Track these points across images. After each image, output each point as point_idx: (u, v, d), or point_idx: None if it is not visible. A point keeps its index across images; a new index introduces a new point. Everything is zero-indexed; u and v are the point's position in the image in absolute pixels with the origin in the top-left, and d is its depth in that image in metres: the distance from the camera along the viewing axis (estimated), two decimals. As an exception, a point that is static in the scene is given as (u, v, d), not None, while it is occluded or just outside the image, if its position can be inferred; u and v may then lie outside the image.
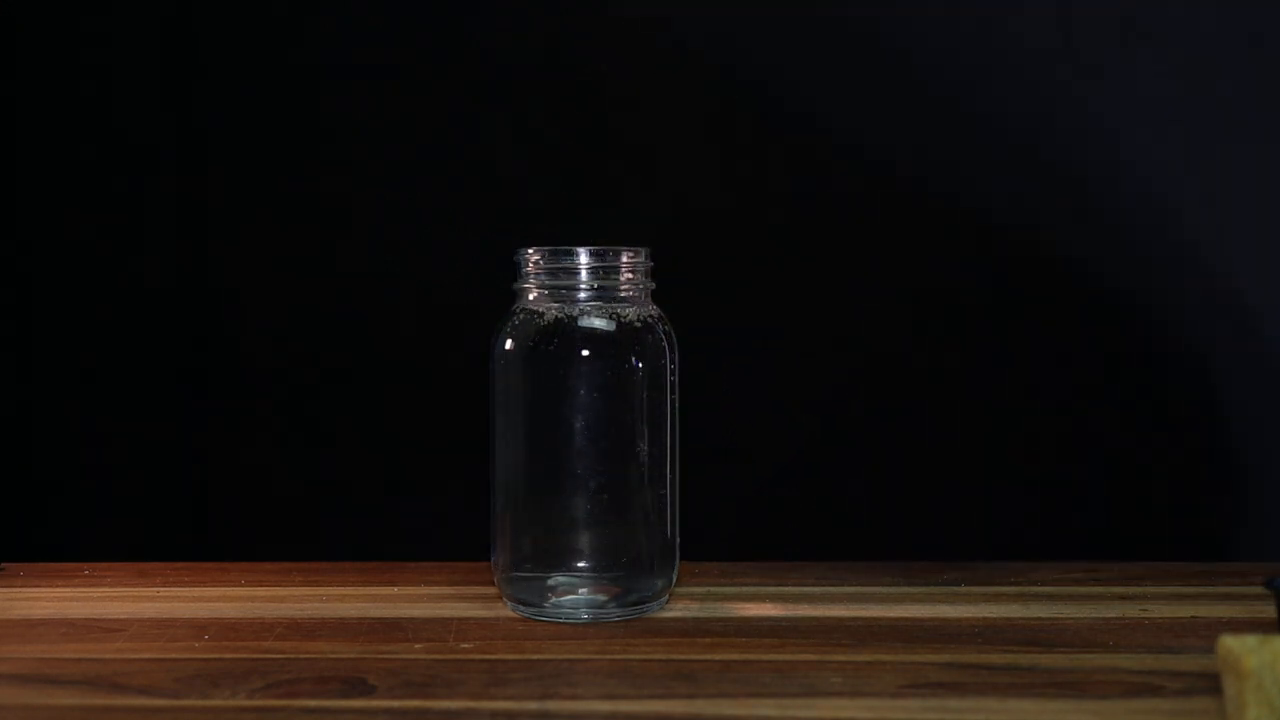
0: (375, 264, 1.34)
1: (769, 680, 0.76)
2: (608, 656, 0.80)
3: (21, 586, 0.95)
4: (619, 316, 0.88)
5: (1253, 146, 1.29)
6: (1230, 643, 0.67)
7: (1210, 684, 0.73)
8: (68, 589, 0.95)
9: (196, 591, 0.94)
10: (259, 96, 1.34)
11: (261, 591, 0.94)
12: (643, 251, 0.90)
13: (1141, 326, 1.31)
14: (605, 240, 0.90)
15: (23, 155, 1.35)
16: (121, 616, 0.88)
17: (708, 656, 0.80)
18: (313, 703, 0.73)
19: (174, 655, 0.80)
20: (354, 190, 1.34)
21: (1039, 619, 0.87)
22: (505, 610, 0.89)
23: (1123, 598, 0.92)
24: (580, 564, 0.88)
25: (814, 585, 0.95)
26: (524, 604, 0.88)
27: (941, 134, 1.31)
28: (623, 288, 0.89)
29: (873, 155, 1.32)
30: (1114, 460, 1.31)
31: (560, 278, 0.88)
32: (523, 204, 1.33)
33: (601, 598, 0.87)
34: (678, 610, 0.90)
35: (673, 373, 0.89)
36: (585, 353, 0.87)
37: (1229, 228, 1.30)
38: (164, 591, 0.94)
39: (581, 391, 0.87)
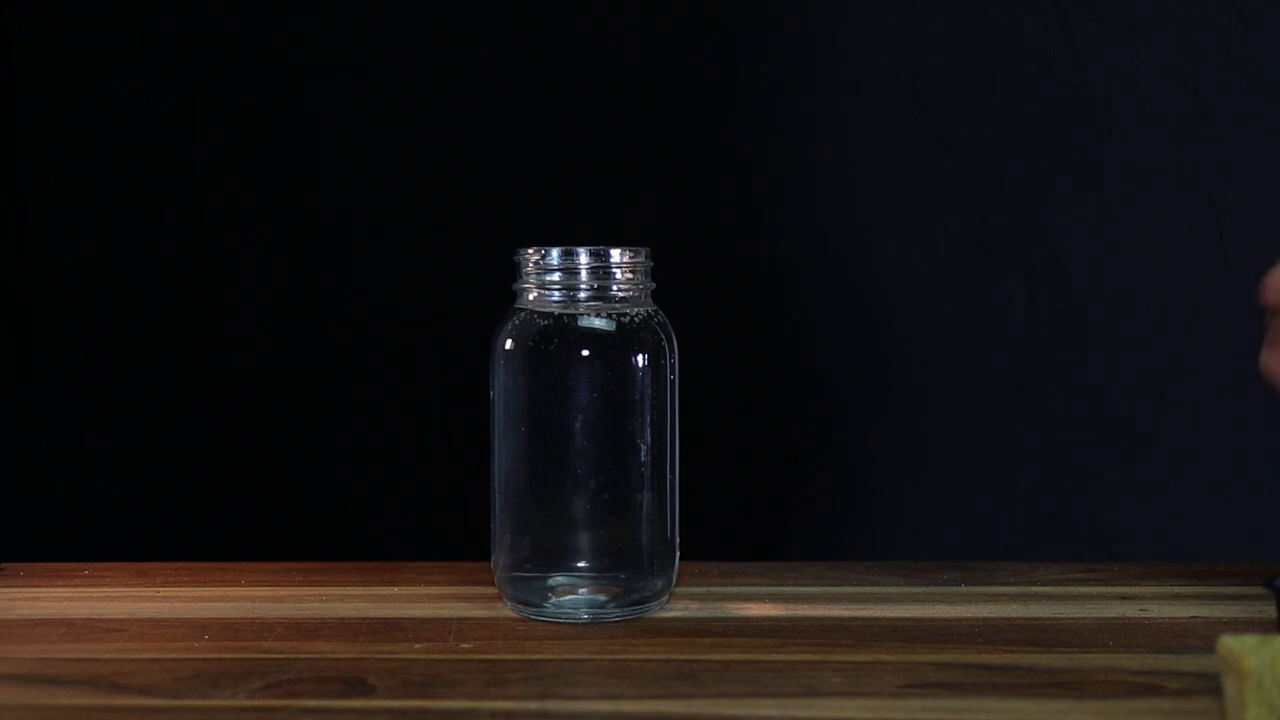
0: (375, 264, 1.34)
1: (769, 680, 0.76)
2: (608, 656, 0.80)
3: (21, 586, 0.95)
4: (619, 316, 0.88)
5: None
6: (1230, 643, 0.67)
7: (1210, 684, 0.73)
8: (68, 589, 0.94)
9: (196, 591, 0.94)
10: (258, 97, 1.34)
11: (261, 591, 0.94)
12: (643, 251, 0.90)
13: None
14: (605, 240, 0.90)
15: (22, 158, 1.35)
16: (121, 616, 0.88)
17: (708, 656, 0.80)
18: (313, 703, 0.73)
19: (174, 655, 0.80)
20: (353, 190, 1.34)
21: (1039, 619, 0.87)
22: (505, 610, 0.89)
23: (1123, 598, 0.92)
24: (580, 564, 0.88)
25: (814, 585, 0.95)
26: (524, 604, 0.88)
27: (939, 135, 1.31)
28: (623, 287, 0.89)
29: (871, 155, 1.32)
30: (1112, 460, 1.31)
31: (560, 278, 0.88)
32: (523, 204, 1.33)
33: (601, 598, 0.87)
34: (678, 610, 0.89)
35: (673, 372, 0.89)
36: (585, 353, 0.87)
37: None
38: (164, 591, 0.94)
39: (581, 391, 0.87)
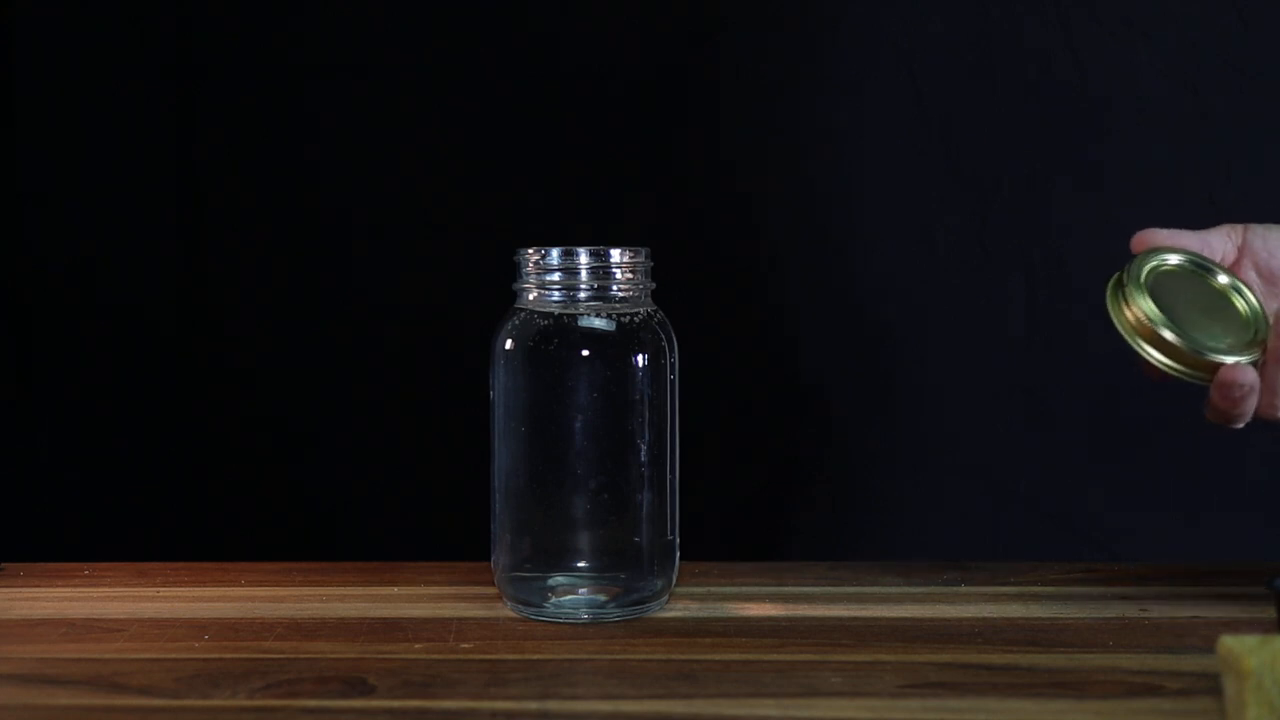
0: (375, 264, 1.34)
1: (769, 680, 0.76)
2: (608, 656, 0.80)
3: (21, 586, 0.95)
4: (619, 316, 0.88)
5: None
6: (1230, 643, 0.67)
7: (1210, 684, 0.73)
8: (68, 589, 0.94)
9: (196, 591, 0.94)
10: (258, 97, 1.34)
11: (261, 591, 0.94)
12: (643, 251, 0.90)
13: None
14: (605, 240, 0.90)
15: (22, 158, 1.35)
16: (121, 616, 0.88)
17: (708, 656, 0.80)
18: (313, 703, 0.73)
19: (174, 655, 0.80)
20: (353, 190, 1.34)
21: (1039, 619, 0.87)
22: (505, 610, 0.89)
23: (1123, 598, 0.92)
24: (580, 564, 0.88)
25: (814, 585, 0.95)
26: (524, 604, 0.88)
27: (939, 135, 1.31)
28: (623, 287, 0.89)
29: (871, 155, 1.32)
30: (1112, 460, 1.31)
31: (560, 278, 0.88)
32: (523, 204, 1.33)
33: (601, 598, 0.87)
34: (678, 610, 0.89)
35: (673, 372, 0.89)
36: (585, 353, 0.87)
37: None
38: (164, 591, 0.94)
39: (581, 391, 0.87)
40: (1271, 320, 0.83)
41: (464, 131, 1.33)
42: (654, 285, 0.91)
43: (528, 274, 0.89)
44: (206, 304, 1.35)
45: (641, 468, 0.87)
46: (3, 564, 1.01)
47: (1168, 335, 0.83)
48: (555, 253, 0.88)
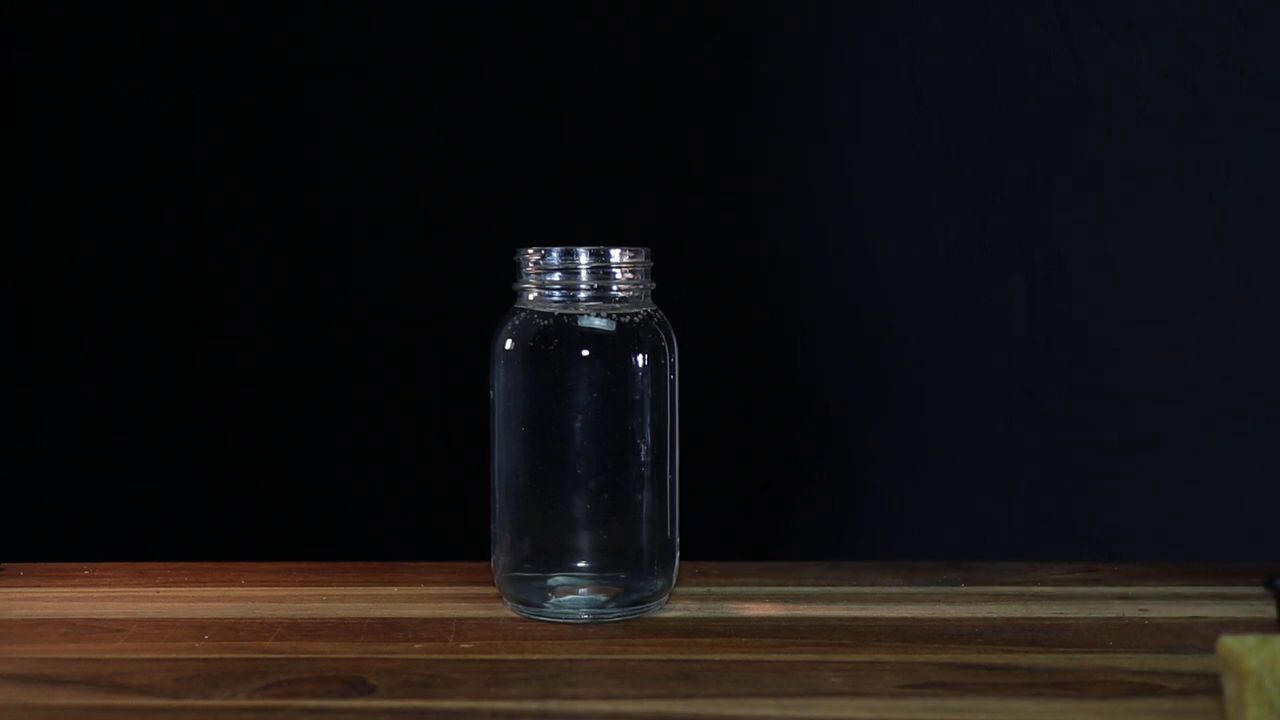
0: (375, 264, 1.34)
1: (769, 680, 0.76)
2: (608, 656, 0.80)
3: (21, 586, 0.95)
4: (619, 316, 0.88)
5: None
6: (1230, 643, 0.67)
7: (1210, 684, 0.73)
8: (68, 589, 0.95)
9: (196, 591, 0.94)
10: (258, 97, 1.34)
11: (261, 591, 0.94)
12: (643, 251, 0.90)
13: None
14: (605, 240, 0.90)
15: (22, 157, 1.35)
16: (121, 616, 0.88)
17: (708, 656, 0.80)
18: (313, 703, 0.73)
19: (174, 655, 0.80)
20: (353, 190, 1.34)
21: (1039, 619, 0.87)
22: (505, 610, 0.89)
23: (1123, 598, 0.92)
24: (580, 564, 0.88)
25: (814, 585, 0.95)
26: (524, 604, 0.88)
27: (939, 135, 1.31)
28: (623, 287, 0.89)
29: (871, 155, 1.32)
30: (1112, 460, 1.31)
31: (560, 277, 0.88)
32: (523, 204, 1.33)
33: (601, 598, 0.87)
34: (678, 610, 0.90)
35: (673, 372, 0.89)
36: (585, 353, 0.87)
37: None
38: (164, 591, 0.94)
39: (581, 391, 0.87)
40: None
41: (464, 131, 1.33)
42: (654, 285, 0.91)
43: (528, 274, 0.89)
44: (206, 304, 1.35)
45: (641, 468, 0.88)
46: (3, 564, 1.01)
47: None
48: (555, 253, 0.88)
